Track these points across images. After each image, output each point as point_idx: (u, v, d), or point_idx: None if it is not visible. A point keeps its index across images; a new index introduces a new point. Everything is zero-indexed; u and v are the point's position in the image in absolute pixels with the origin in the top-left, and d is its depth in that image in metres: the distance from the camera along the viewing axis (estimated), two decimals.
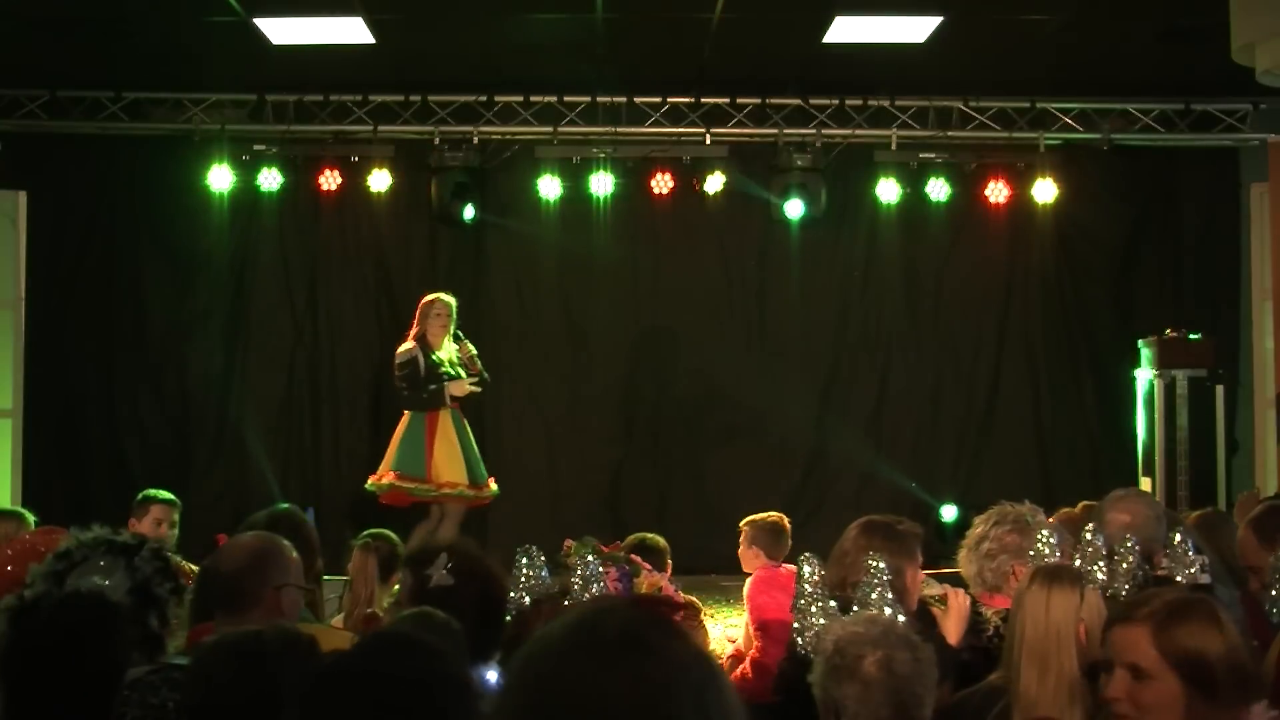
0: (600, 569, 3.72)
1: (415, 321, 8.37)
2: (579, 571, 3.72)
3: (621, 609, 1.59)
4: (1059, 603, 3.22)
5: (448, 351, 8.32)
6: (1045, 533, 3.91)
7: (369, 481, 8.32)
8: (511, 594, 3.70)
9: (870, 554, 3.51)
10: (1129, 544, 3.83)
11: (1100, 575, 3.74)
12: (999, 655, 3.45)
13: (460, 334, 8.43)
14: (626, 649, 1.50)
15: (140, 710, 2.80)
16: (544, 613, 3.61)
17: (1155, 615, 2.50)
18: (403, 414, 8.34)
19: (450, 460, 8.16)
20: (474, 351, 8.40)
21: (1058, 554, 3.84)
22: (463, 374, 8.31)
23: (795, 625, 3.43)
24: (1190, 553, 3.94)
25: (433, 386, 8.20)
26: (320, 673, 2.22)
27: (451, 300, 8.40)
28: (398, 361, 8.30)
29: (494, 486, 8.36)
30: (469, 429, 8.37)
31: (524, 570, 3.78)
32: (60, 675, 2.73)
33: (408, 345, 8.30)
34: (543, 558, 3.87)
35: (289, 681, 2.38)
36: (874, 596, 3.36)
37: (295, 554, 3.39)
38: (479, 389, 8.42)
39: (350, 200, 9.84)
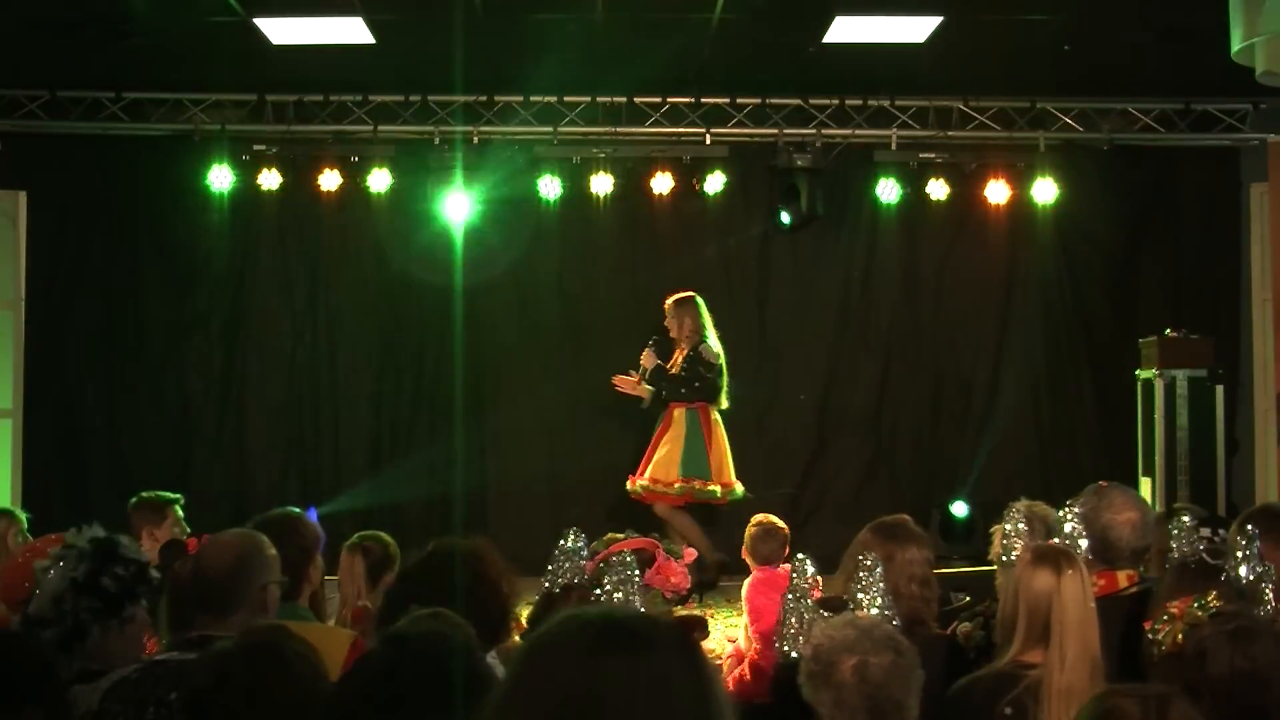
0: (630, 559, 3.66)
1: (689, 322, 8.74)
2: (612, 562, 3.68)
3: (619, 608, 1.60)
4: (1087, 584, 3.29)
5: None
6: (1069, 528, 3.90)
7: (714, 487, 8.51)
8: (544, 578, 3.74)
9: (864, 553, 3.49)
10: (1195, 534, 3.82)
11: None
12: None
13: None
14: (623, 645, 1.51)
15: (129, 711, 2.77)
16: (572, 599, 3.61)
17: None
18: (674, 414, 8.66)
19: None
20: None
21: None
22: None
23: (781, 629, 3.41)
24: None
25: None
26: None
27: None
28: (716, 362, 8.62)
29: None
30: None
31: (561, 554, 3.77)
32: None
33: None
34: (583, 542, 3.86)
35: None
36: (862, 595, 3.34)
37: (273, 550, 3.37)
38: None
39: (350, 200, 9.83)
